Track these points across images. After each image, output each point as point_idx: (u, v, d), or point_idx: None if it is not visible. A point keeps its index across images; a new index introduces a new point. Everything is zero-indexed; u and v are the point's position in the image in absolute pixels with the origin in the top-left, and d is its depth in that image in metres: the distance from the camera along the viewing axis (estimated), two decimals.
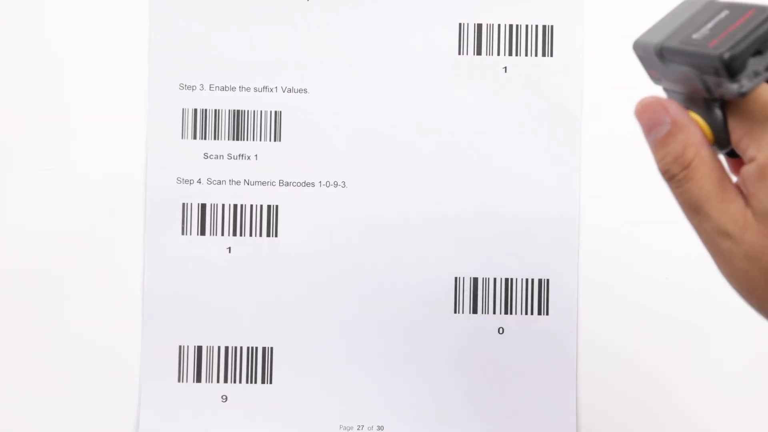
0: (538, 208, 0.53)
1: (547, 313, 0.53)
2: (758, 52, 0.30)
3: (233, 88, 0.53)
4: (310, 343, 0.53)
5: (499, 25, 0.54)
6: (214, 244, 0.53)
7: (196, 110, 0.53)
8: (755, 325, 0.54)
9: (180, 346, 0.53)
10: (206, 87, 0.53)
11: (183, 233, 0.53)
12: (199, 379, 0.53)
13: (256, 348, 0.53)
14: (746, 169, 0.31)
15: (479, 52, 0.54)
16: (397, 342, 0.53)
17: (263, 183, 0.53)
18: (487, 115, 0.54)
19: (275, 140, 0.53)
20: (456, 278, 0.53)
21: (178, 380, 0.53)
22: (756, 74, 0.30)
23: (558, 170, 0.54)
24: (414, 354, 0.53)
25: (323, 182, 0.53)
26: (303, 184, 0.53)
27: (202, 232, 0.53)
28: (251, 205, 0.53)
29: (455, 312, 0.53)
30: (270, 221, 0.53)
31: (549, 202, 0.53)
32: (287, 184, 0.53)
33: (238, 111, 0.53)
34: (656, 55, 0.34)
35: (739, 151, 0.32)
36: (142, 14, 0.53)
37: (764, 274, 0.31)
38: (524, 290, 0.53)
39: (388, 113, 0.53)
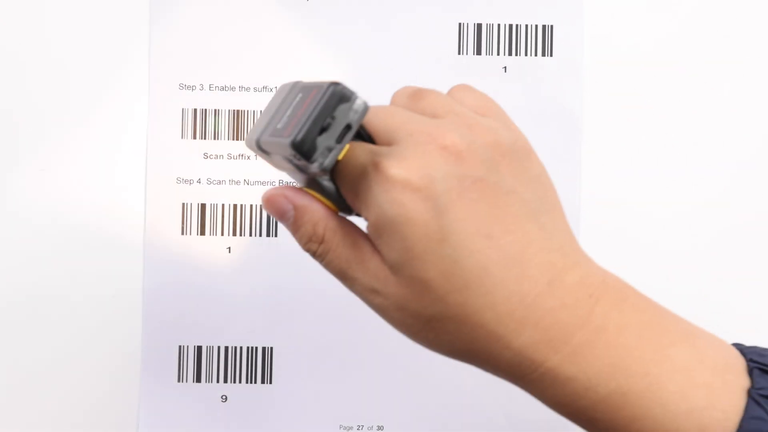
0: None
1: None
2: (324, 129, 0.31)
3: (233, 88, 0.53)
4: (309, 343, 0.53)
5: (498, 25, 0.54)
6: (214, 243, 0.53)
7: (195, 110, 0.53)
8: (756, 327, 0.54)
9: (180, 346, 0.53)
10: (206, 87, 0.53)
11: (183, 233, 0.53)
12: (199, 379, 0.53)
13: (256, 348, 0.53)
14: (367, 229, 0.33)
15: (479, 52, 0.54)
16: (397, 342, 0.53)
17: (263, 183, 0.53)
18: None
19: None
20: None
21: (178, 380, 0.53)
22: (329, 149, 0.31)
23: (558, 170, 0.54)
24: (414, 354, 0.53)
25: None
26: None
27: (202, 232, 0.53)
28: (251, 205, 0.53)
29: None
30: (270, 221, 0.53)
31: None
32: (287, 184, 0.53)
33: (237, 111, 0.53)
34: (258, 150, 0.34)
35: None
36: (143, 14, 0.53)
37: (417, 319, 0.32)
38: None
39: None
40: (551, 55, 0.54)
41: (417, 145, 0.31)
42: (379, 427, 0.53)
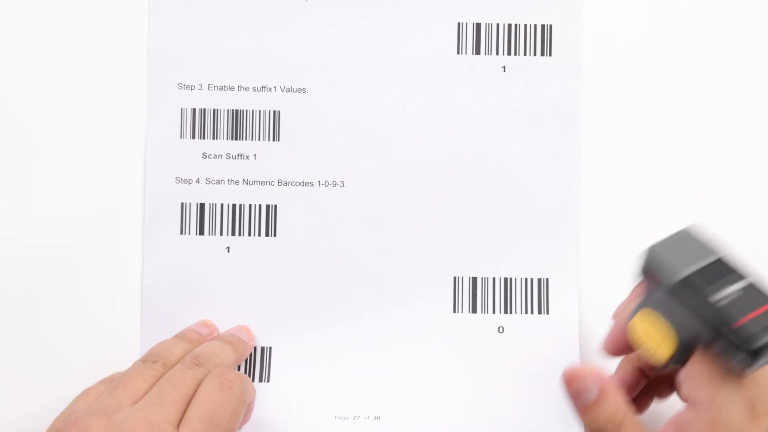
0: (538, 208, 0.53)
1: (548, 313, 0.53)
2: None
3: (232, 88, 0.53)
4: (308, 343, 0.53)
5: (497, 25, 0.54)
6: (213, 243, 0.53)
7: (194, 110, 0.53)
8: None
9: None
10: (205, 86, 0.53)
11: (182, 233, 0.53)
12: None
13: (255, 348, 0.53)
14: (689, 416, 0.35)
15: (478, 52, 0.54)
16: (396, 342, 0.53)
17: (262, 183, 0.53)
18: (486, 114, 0.54)
19: (274, 140, 0.53)
20: (455, 278, 0.53)
21: None
22: None
23: (557, 169, 0.54)
24: (413, 354, 0.53)
25: (322, 182, 0.53)
26: (302, 184, 0.53)
27: (201, 232, 0.53)
28: (250, 205, 0.53)
29: (455, 311, 0.53)
30: (269, 221, 0.53)
31: (548, 201, 0.53)
32: (286, 183, 0.53)
33: (236, 111, 0.53)
34: (670, 289, 0.36)
35: (684, 387, 0.35)
36: (141, 13, 0.53)
37: None
38: (524, 289, 0.53)
39: (387, 113, 0.53)
40: (550, 55, 0.54)
41: None
42: (376, 417, 0.53)
